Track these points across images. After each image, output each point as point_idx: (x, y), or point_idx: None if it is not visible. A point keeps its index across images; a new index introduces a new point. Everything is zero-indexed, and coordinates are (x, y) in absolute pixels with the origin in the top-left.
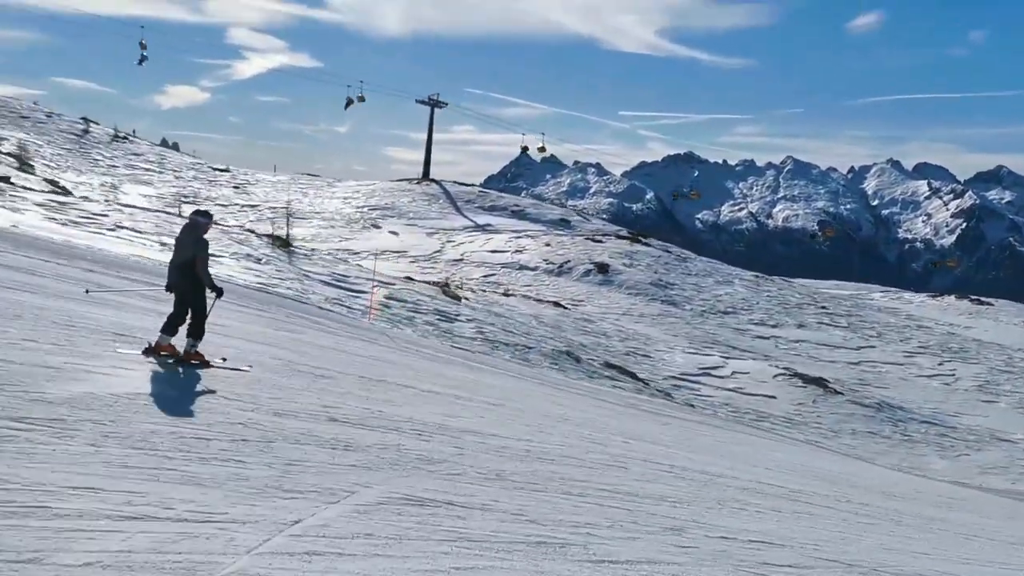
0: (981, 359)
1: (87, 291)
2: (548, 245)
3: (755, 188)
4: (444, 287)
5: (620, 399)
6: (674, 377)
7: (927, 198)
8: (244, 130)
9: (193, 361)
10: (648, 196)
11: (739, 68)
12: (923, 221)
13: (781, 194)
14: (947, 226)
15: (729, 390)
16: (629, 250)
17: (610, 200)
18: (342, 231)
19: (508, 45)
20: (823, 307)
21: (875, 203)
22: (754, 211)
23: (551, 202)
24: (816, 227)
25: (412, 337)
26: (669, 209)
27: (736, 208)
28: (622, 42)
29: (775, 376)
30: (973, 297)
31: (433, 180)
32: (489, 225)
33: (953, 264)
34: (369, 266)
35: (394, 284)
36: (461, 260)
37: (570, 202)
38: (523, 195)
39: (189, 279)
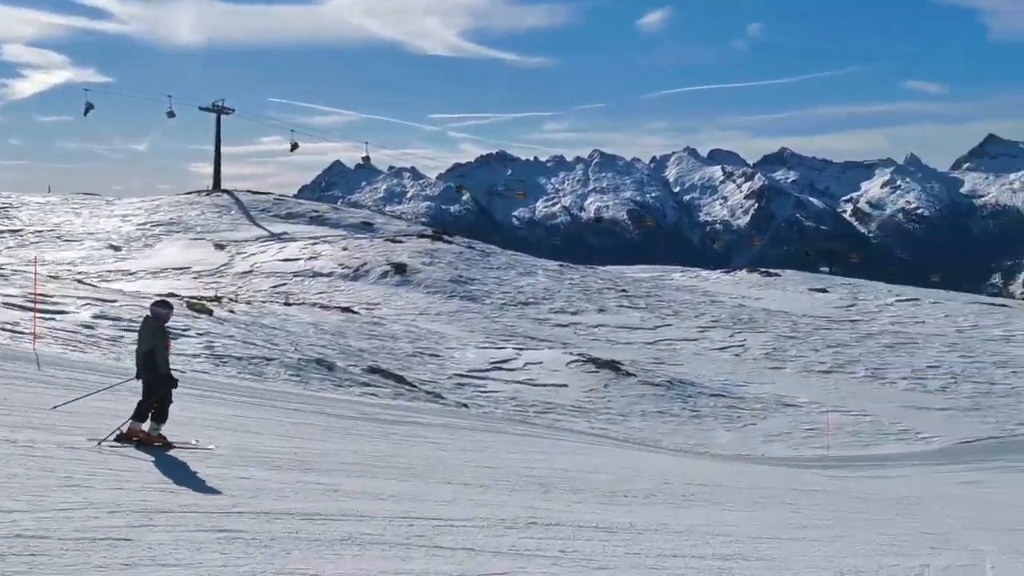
0: (769, 327)
1: (55, 407)
2: (345, 250)
3: (566, 182)
4: (192, 301)
5: (359, 410)
6: (461, 375)
7: (722, 182)
8: (27, 153)
9: (155, 443)
10: (464, 197)
11: (542, 67)
12: (720, 204)
13: (591, 187)
14: (742, 207)
15: (519, 383)
16: (430, 248)
17: (428, 204)
18: (116, 252)
19: (311, 52)
20: (623, 290)
21: (677, 190)
22: (567, 205)
23: (370, 210)
24: (625, 216)
25: (93, 360)
26: (486, 208)
27: (550, 203)
28: (427, 44)
29: (568, 364)
30: (762, 270)
31: (225, 191)
32: (285, 233)
33: (759, 243)
34: (135, 288)
35: (115, 301)
36: (250, 272)
37: (388, 208)
38: (339, 203)
39: (152, 367)
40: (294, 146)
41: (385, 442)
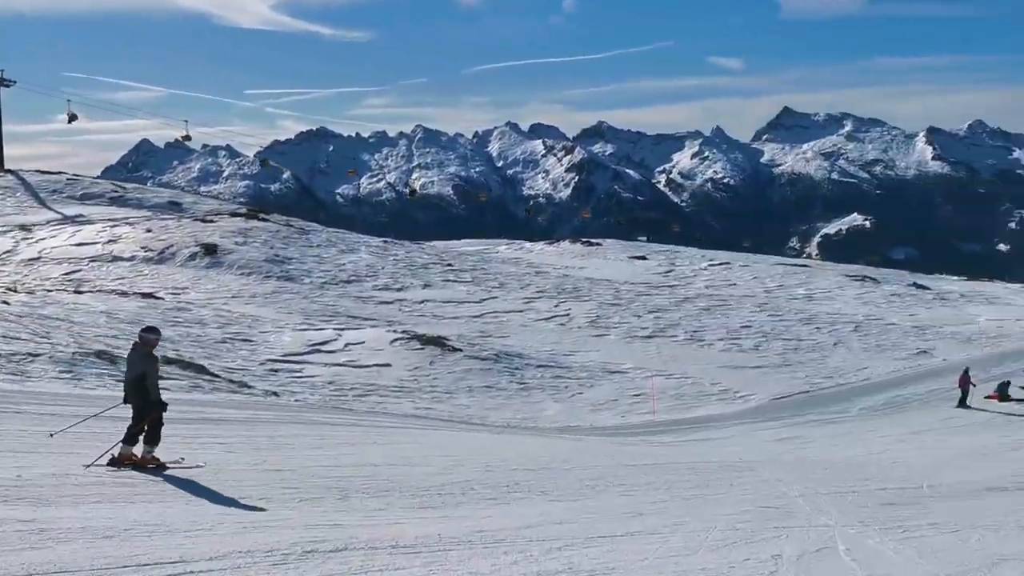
0: (593, 296)
1: (51, 434)
2: (149, 232)
3: (390, 159)
4: None
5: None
6: (274, 361)
7: (544, 156)
8: None
9: (149, 465)
10: (285, 175)
11: (361, 41)
12: (543, 177)
13: (415, 162)
14: (563, 180)
15: (339, 365)
16: (244, 227)
17: (246, 183)
18: None
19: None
20: (449, 265)
21: (500, 164)
22: (392, 181)
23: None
24: (451, 191)
25: None
26: (308, 186)
27: (375, 180)
28: (239, 18)
29: (392, 342)
30: (585, 240)
31: (9, 171)
32: (81, 216)
33: (587, 215)
34: None
35: None
36: (38, 259)
37: (203, 188)
38: (148, 184)
39: (142, 392)
40: (72, 117)
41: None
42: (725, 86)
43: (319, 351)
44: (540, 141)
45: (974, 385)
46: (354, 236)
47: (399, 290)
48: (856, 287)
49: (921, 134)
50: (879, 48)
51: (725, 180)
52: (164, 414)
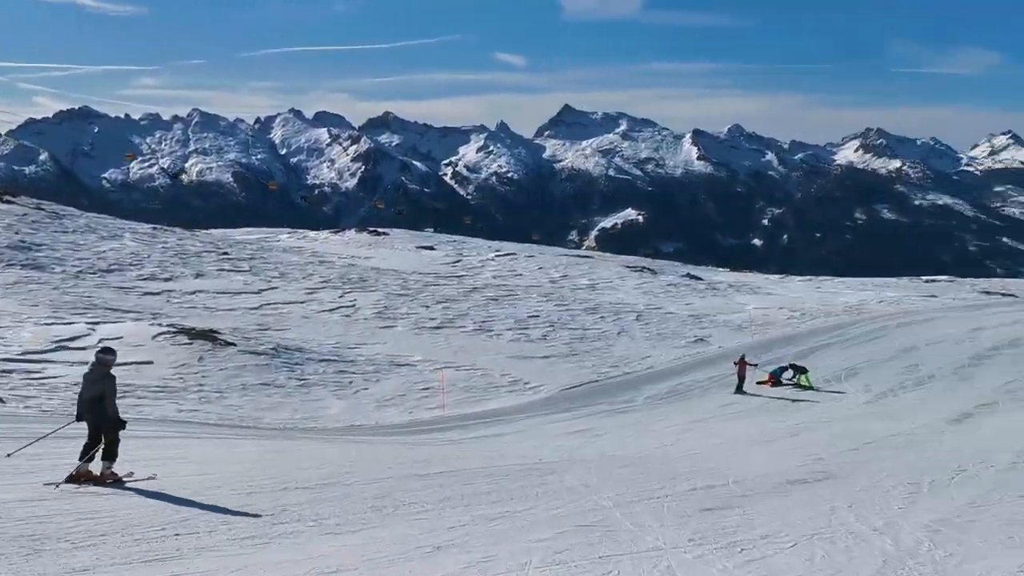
0: (380, 286)
1: (8, 455)
2: None
3: (164, 143)
4: None
5: None
6: (8, 360)
7: (328, 145)
8: None
9: (108, 481)
10: (42, 157)
11: (129, 16)
12: (328, 167)
13: (192, 148)
14: (349, 170)
15: (88, 364)
16: None
17: None
18: None
19: None
20: (225, 253)
21: (283, 152)
22: (166, 167)
23: None
24: (231, 178)
25: None
26: (69, 170)
27: (146, 164)
28: None
29: (156, 336)
30: (371, 229)
31: None
32: None
33: (381, 206)
34: None
35: None
36: None
37: None
38: None
39: (100, 411)
40: None
41: None
42: (510, 82)
43: (66, 348)
44: (325, 130)
45: (754, 365)
46: (119, 222)
47: (167, 280)
48: (636, 277)
49: (688, 136)
50: (653, 53)
51: (509, 174)
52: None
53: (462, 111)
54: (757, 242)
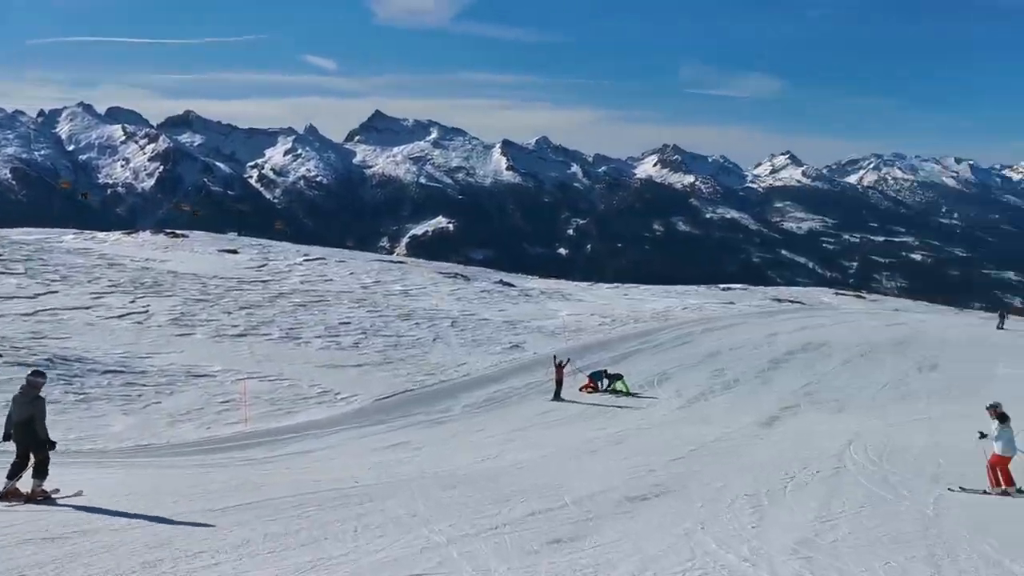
0: (176, 291)
1: None
2: None
3: None
4: None
5: None
6: None
7: (123, 143)
8: None
9: (38, 498)
10: None
11: None
12: (122, 165)
13: None
14: (146, 170)
15: None
16: None
17: None
18: None
19: None
20: None
21: (71, 148)
22: None
23: None
24: (9, 175)
25: None
26: None
27: None
28: None
29: None
30: (169, 231)
31: None
32: None
33: (187, 208)
34: None
35: None
36: None
37: None
38: None
39: (30, 433)
40: None
41: None
42: (319, 85)
43: None
44: (119, 126)
45: (578, 369)
46: None
47: None
48: (450, 283)
49: (497, 146)
50: (463, 63)
51: (318, 178)
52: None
53: (269, 112)
54: (563, 251)
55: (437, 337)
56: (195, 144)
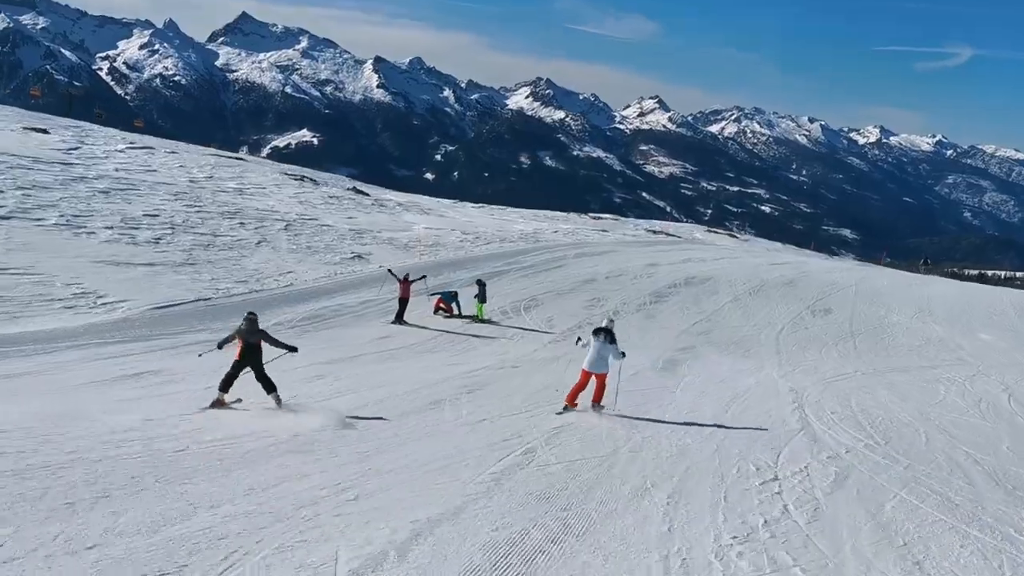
0: None
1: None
2: None
3: None
4: None
5: None
6: None
7: None
8: None
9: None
10: None
11: None
12: None
13: None
14: None
15: None
16: None
17: None
18: None
19: None
20: None
21: None
22: None
23: None
24: None
25: None
26: None
27: None
28: None
29: None
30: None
31: None
32: None
33: (38, 94)
34: None
35: None
36: None
37: None
38: None
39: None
40: None
41: None
42: None
43: None
44: None
45: (430, 292)
46: None
47: None
48: (294, 186)
49: (369, 62)
50: None
51: (176, 78)
52: None
53: (124, 1)
54: (430, 176)
55: (263, 240)
56: (38, 27)
